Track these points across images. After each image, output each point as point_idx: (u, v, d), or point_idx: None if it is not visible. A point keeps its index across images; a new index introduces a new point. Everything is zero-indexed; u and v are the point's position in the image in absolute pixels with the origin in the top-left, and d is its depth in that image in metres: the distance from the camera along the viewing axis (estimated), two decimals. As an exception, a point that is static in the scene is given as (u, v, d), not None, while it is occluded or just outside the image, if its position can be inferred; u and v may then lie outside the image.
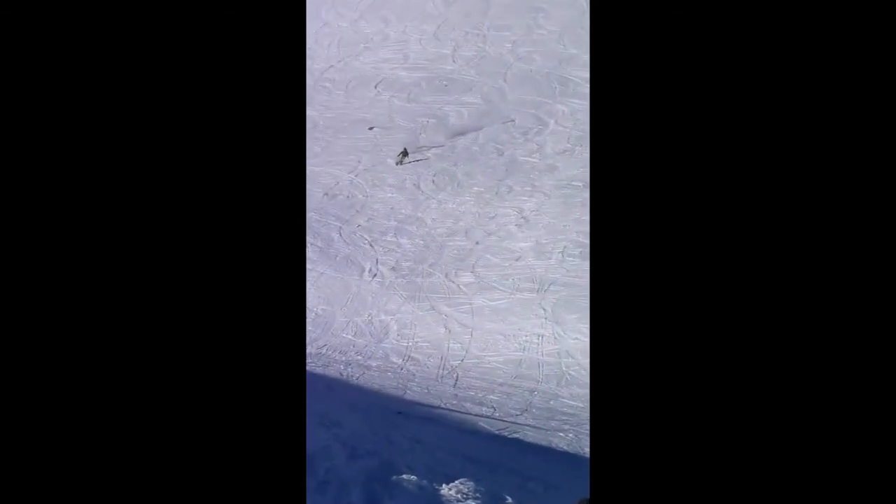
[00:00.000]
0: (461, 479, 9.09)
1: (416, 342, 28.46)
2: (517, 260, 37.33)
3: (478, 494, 8.69)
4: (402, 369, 24.43)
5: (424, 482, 8.65)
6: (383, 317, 31.64)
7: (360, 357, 26.37)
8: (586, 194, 32.13)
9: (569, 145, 37.23)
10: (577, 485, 7.92)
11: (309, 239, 37.70)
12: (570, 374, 22.04)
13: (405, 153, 32.89)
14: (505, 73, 46.63)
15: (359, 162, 47.26)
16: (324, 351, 26.29)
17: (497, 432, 15.04)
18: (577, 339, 23.84)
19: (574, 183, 34.18)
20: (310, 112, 49.78)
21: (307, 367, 19.82)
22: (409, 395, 18.40)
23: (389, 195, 43.54)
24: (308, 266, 35.06)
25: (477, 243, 39.03)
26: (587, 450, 13.58)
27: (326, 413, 12.06)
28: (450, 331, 30.25)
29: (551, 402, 20.20)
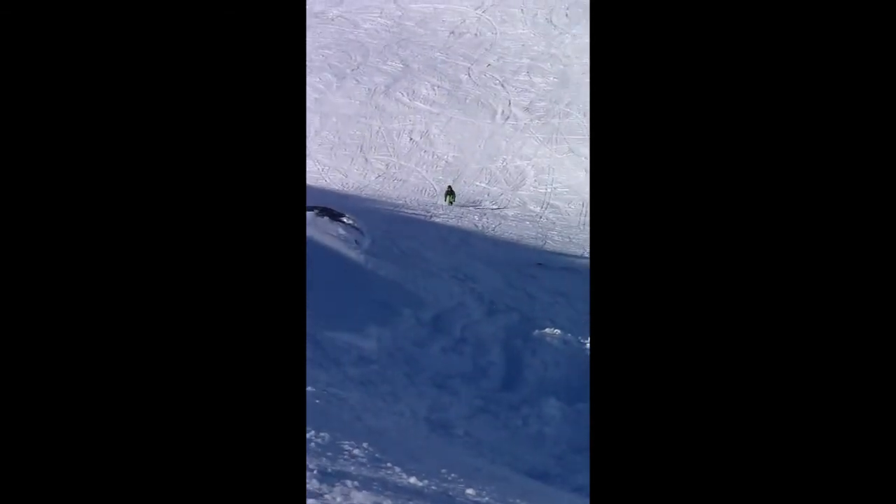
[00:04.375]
0: (609, 333, 8.75)
1: (555, 188, 28.13)
2: (662, 94, 35.87)
3: (629, 348, 8.33)
4: (540, 217, 24.16)
5: (569, 336, 8.38)
6: (519, 162, 31.31)
7: (495, 206, 26.20)
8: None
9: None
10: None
11: (435, 81, 37.36)
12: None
13: (451, 192, 27.08)
14: None
15: (486, -4, 46.26)
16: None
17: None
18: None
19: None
20: (430, -55, 48.47)
21: (438, 219, 19.73)
22: (550, 245, 18.12)
23: (520, 31, 42.55)
24: (436, 111, 34.85)
25: (617, 78, 37.80)
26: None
27: (460, 267, 11.86)
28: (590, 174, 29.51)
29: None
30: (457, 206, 24.70)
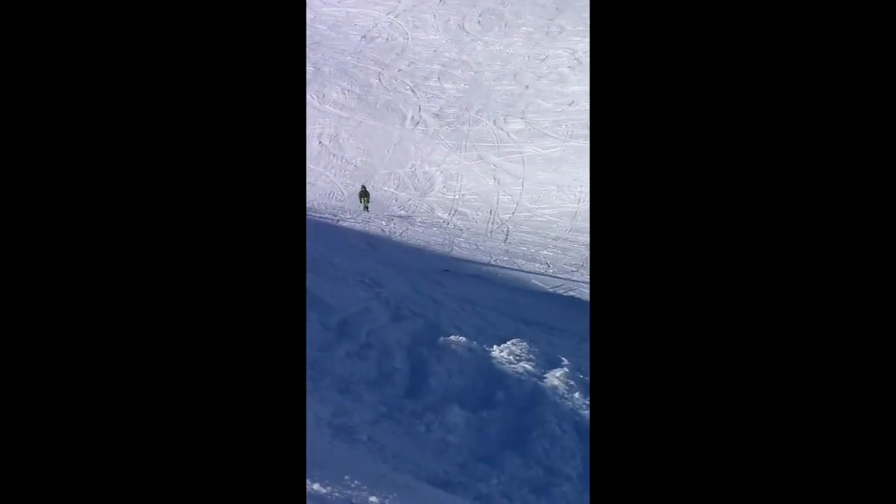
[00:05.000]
0: (513, 341, 8.84)
1: (463, 195, 28.27)
2: (570, 104, 36.68)
3: (531, 356, 8.46)
4: (448, 224, 24.23)
5: (474, 344, 8.40)
6: (427, 168, 31.38)
7: (402, 212, 26.23)
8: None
9: (628, -24, 35.80)
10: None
11: (346, 85, 37.23)
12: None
13: (365, 193, 26.84)
14: None
15: (399, 1, 46.29)
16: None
17: (551, 290, 14.71)
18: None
19: (634, 18, 33.05)
20: (343, -53, 48.32)
21: (346, 224, 19.66)
22: (457, 252, 18.19)
23: (432, 37, 42.73)
24: (345, 115, 34.73)
25: (527, 87, 38.33)
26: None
27: (367, 272, 11.83)
28: (499, 182, 29.93)
29: (609, 258, 19.79)
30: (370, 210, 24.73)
